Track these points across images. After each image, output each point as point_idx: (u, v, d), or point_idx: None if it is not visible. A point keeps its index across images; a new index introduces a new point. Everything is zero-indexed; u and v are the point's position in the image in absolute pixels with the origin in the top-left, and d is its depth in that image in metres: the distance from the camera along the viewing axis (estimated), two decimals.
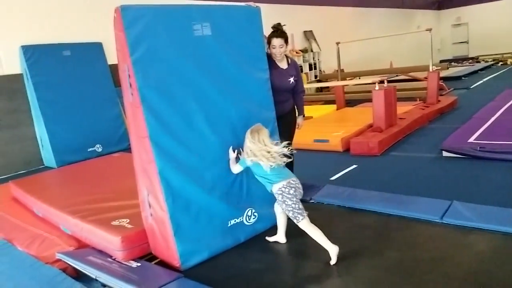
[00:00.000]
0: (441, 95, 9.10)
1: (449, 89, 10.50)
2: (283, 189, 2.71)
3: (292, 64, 3.71)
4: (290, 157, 2.81)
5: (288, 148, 2.73)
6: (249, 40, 3.04)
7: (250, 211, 3.07)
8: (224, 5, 3.17)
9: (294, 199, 2.70)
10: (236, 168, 2.88)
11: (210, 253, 2.82)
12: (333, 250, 2.60)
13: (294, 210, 2.68)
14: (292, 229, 3.02)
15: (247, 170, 2.92)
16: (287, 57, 3.70)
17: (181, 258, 2.68)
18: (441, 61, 17.36)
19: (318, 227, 3.28)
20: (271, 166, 2.69)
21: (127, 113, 2.72)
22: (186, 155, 2.71)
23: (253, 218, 3.09)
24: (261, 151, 2.68)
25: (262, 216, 3.13)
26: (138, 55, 2.48)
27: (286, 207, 2.70)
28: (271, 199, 2.94)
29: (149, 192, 2.73)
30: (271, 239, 3.01)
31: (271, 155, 2.68)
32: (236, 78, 2.95)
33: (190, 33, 2.71)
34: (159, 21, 2.58)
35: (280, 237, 2.98)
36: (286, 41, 3.54)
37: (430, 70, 8.30)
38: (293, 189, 2.71)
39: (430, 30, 8.30)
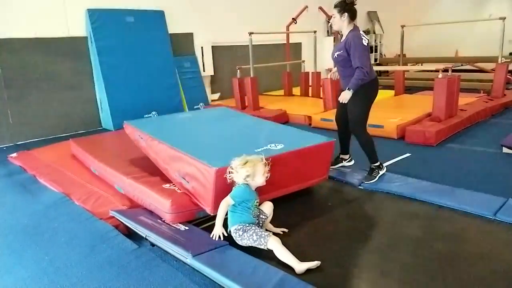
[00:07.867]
0: (508, 89, 8.58)
1: None
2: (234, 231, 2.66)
3: (345, 39, 3.68)
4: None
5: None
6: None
7: (273, 144, 3.26)
8: None
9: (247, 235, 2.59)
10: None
11: None
12: (297, 269, 2.39)
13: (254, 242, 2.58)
14: (339, 215, 3.00)
15: None
16: (354, 31, 3.68)
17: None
18: None
19: (365, 213, 3.27)
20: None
21: (147, 151, 3.63)
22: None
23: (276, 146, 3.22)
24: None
25: (287, 145, 3.26)
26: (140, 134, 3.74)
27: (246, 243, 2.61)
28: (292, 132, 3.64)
29: (180, 168, 3.07)
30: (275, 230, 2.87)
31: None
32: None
33: None
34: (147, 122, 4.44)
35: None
36: (340, 11, 3.65)
37: (499, 61, 7.83)
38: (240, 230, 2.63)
39: (504, 19, 7.77)
